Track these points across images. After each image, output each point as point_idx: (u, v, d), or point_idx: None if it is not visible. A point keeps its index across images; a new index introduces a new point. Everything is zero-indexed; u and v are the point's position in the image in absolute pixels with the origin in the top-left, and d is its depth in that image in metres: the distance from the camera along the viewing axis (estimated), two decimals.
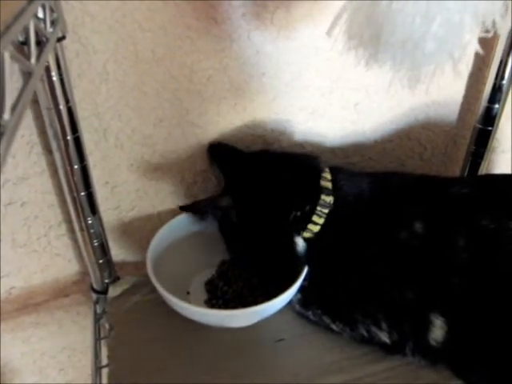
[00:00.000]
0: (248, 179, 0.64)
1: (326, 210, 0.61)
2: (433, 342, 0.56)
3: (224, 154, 0.70)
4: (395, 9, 0.41)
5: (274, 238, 0.62)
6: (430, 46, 0.43)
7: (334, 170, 0.64)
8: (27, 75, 0.32)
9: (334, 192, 0.62)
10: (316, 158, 0.67)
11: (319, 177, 0.63)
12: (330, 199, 0.61)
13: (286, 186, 0.62)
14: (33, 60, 0.35)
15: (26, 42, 0.37)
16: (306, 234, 0.61)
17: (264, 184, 0.63)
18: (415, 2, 0.41)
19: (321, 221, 0.61)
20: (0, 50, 0.26)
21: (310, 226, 0.61)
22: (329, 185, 0.62)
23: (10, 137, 0.24)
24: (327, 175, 0.63)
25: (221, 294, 0.69)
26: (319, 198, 0.61)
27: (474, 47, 0.44)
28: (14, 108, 0.26)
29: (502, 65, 0.71)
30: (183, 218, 0.72)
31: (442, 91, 0.77)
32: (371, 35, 0.44)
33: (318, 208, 0.61)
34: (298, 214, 0.61)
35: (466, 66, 0.75)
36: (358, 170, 0.69)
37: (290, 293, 0.59)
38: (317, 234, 0.61)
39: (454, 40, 0.43)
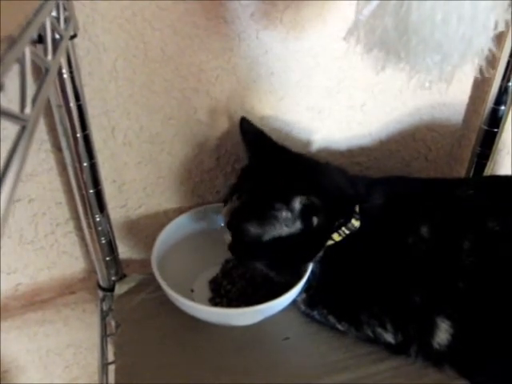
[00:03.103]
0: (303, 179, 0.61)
1: (348, 232, 0.60)
2: (436, 346, 0.57)
3: (256, 138, 0.68)
4: (429, 11, 0.41)
5: (315, 242, 0.61)
6: (461, 46, 0.43)
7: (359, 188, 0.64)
8: (44, 71, 0.33)
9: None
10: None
11: (358, 195, 0.63)
12: (357, 224, 0.60)
13: (341, 200, 0.62)
14: (49, 56, 0.35)
15: (40, 41, 0.38)
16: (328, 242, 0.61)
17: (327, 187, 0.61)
18: (448, 3, 0.41)
19: (339, 238, 0.60)
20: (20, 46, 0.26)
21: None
22: (357, 208, 0.62)
23: (32, 129, 0.25)
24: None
25: (224, 293, 0.69)
26: (352, 211, 0.61)
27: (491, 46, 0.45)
28: (33, 102, 0.27)
29: (509, 66, 0.71)
30: (188, 217, 0.73)
31: (448, 92, 0.77)
32: (401, 40, 0.44)
33: (343, 228, 0.60)
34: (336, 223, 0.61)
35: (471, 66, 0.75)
36: (370, 178, 0.69)
37: (294, 292, 0.59)
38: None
39: (481, 38, 0.43)
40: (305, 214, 0.57)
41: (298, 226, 0.57)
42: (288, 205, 0.56)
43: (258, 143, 0.67)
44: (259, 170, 0.64)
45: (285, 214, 0.57)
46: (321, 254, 0.61)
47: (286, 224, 0.57)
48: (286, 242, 0.58)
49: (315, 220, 0.57)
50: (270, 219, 0.57)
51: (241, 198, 0.61)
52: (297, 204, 0.56)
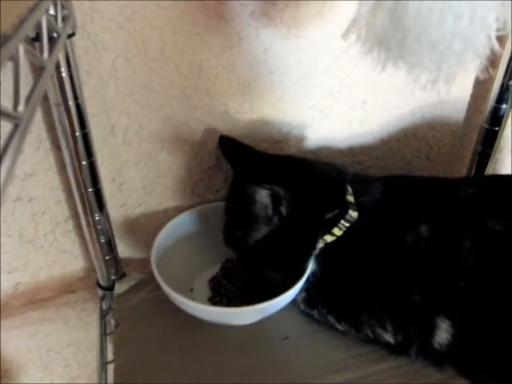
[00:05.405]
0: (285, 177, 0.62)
1: (348, 224, 0.60)
2: (436, 346, 0.56)
3: (236, 150, 0.69)
4: (426, 9, 0.41)
5: (304, 235, 0.61)
6: (458, 45, 0.43)
7: (352, 182, 0.64)
8: (40, 70, 0.33)
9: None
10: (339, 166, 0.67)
11: (345, 182, 0.63)
12: (355, 214, 0.60)
13: (326, 187, 0.62)
14: (45, 54, 0.35)
15: (37, 39, 0.37)
16: (329, 238, 0.61)
17: (308, 181, 0.62)
18: (445, 2, 0.40)
19: (340, 233, 0.60)
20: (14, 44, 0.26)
21: (327, 236, 0.61)
22: (352, 199, 0.61)
23: (25, 128, 0.24)
24: (349, 188, 0.62)
25: (224, 292, 0.69)
26: (346, 204, 0.61)
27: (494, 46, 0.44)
28: (28, 100, 0.27)
29: (511, 65, 0.71)
30: (188, 216, 0.72)
31: (449, 90, 0.76)
32: (396, 37, 0.43)
33: (342, 221, 0.60)
34: (330, 215, 0.60)
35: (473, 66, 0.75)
36: (369, 176, 0.69)
37: (293, 291, 0.59)
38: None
39: (480, 38, 0.42)
40: (275, 207, 0.59)
41: (275, 221, 0.59)
42: (256, 202, 0.58)
43: (241, 158, 0.67)
44: (243, 183, 0.64)
45: (260, 208, 0.59)
46: (321, 252, 0.61)
47: (266, 223, 0.59)
48: (277, 239, 0.60)
49: (283, 210, 0.59)
50: (252, 223, 0.60)
51: (228, 215, 0.64)
52: (263, 198, 0.58)
